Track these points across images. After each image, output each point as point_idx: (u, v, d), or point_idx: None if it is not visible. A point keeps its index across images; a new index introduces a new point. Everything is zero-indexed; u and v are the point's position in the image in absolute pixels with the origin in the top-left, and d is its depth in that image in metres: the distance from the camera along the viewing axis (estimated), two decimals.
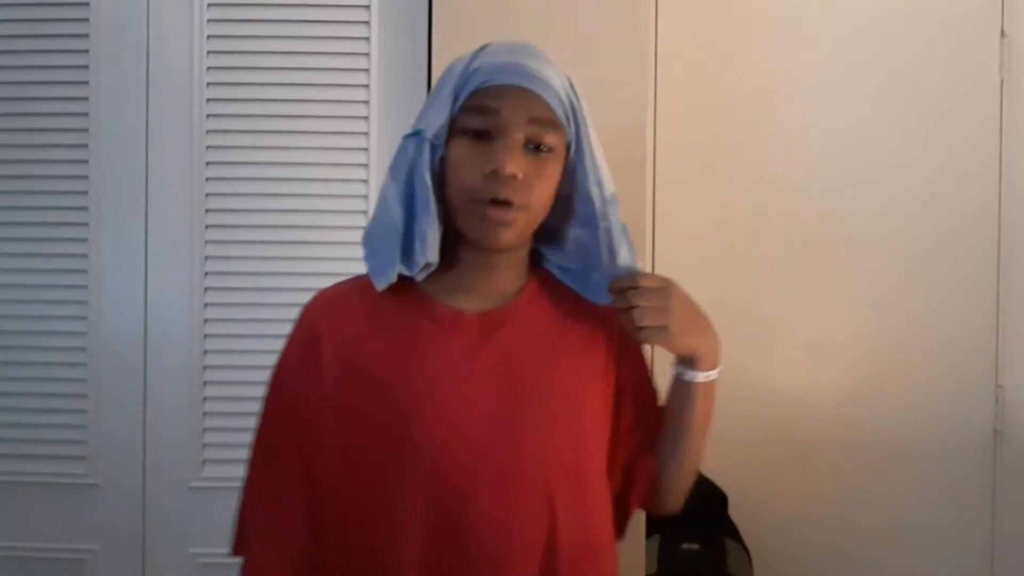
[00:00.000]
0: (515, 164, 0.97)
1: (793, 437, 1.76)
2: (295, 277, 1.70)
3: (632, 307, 1.01)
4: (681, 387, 1.08)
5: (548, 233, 1.07)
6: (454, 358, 1.03)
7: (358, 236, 1.67)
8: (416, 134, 1.03)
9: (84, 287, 1.71)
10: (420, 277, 1.03)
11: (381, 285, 1.02)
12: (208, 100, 1.70)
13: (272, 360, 1.70)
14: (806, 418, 1.76)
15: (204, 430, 1.71)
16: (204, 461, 1.71)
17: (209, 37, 1.70)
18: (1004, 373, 1.77)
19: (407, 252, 1.02)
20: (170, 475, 1.71)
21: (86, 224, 1.71)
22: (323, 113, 1.70)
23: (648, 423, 1.12)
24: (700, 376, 1.06)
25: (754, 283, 1.80)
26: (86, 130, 1.70)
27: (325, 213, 1.71)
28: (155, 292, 1.71)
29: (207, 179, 1.70)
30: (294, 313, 1.73)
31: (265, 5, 1.70)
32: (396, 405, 1.01)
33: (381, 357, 1.03)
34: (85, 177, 1.71)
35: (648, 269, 1.69)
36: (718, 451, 1.74)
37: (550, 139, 1.00)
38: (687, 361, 1.06)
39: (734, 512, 1.71)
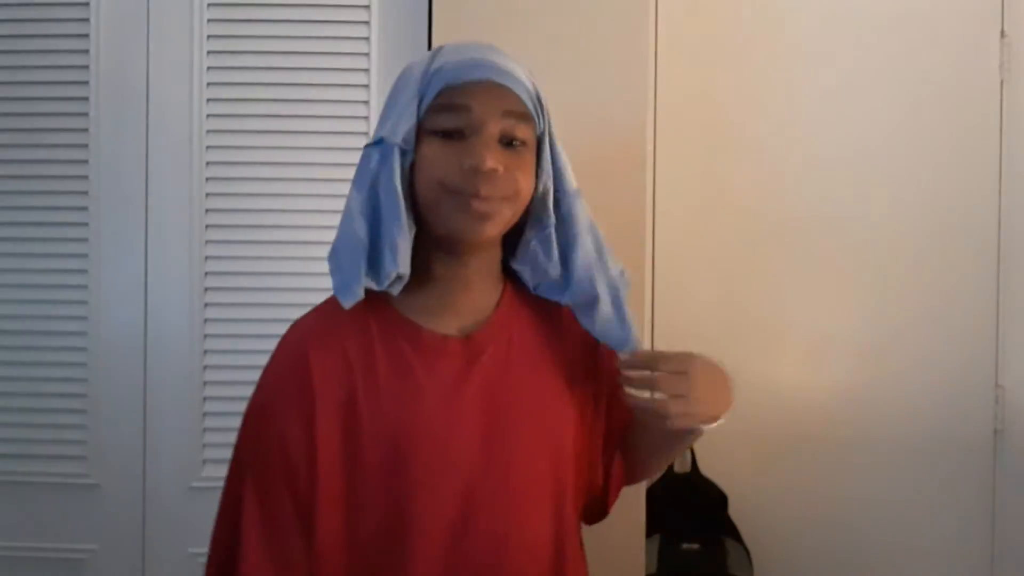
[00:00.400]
0: (494, 159, 0.94)
1: (793, 437, 1.76)
2: (295, 277, 1.70)
3: (649, 388, 0.97)
4: (685, 435, 1.06)
5: (509, 237, 1.04)
6: (443, 391, 0.99)
7: None
8: (379, 142, 0.99)
9: (84, 287, 1.71)
10: (395, 291, 0.99)
11: (348, 303, 0.97)
12: (208, 100, 1.70)
13: None
14: (806, 418, 1.76)
15: (204, 430, 1.71)
16: (204, 461, 1.71)
17: (209, 37, 1.70)
18: (1004, 373, 1.77)
19: (374, 265, 0.98)
20: (170, 475, 1.71)
21: (86, 224, 1.71)
22: (323, 113, 1.70)
23: (623, 420, 1.11)
24: (705, 428, 1.03)
25: (754, 283, 1.80)
26: (86, 130, 1.70)
27: (325, 213, 1.71)
28: (155, 292, 1.71)
29: (207, 179, 1.70)
30: (294, 313, 1.73)
31: (265, 5, 1.70)
32: (393, 448, 0.98)
33: (374, 399, 0.98)
34: (85, 177, 1.71)
35: (648, 269, 1.69)
36: (718, 451, 1.74)
37: (523, 132, 0.98)
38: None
39: (734, 512, 1.71)
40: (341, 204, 1.68)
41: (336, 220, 1.69)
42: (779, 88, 1.79)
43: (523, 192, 0.98)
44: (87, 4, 1.69)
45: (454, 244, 0.99)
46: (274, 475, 0.99)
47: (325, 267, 1.69)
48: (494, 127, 0.96)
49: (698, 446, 1.68)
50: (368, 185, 0.99)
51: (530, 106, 0.99)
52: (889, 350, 1.77)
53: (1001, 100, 1.77)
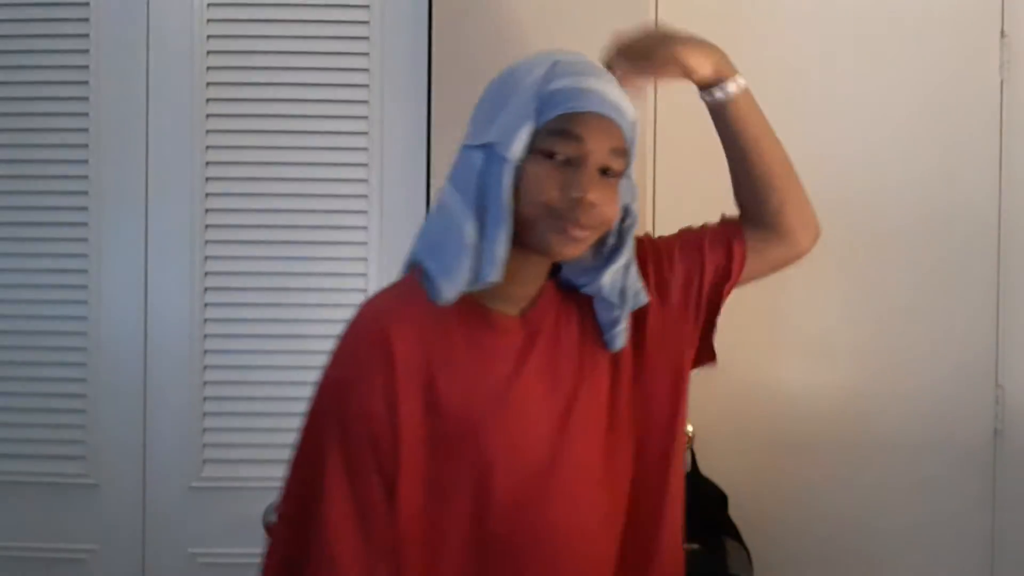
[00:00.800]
0: (596, 193, 1.00)
1: (793, 437, 1.75)
2: (295, 277, 1.70)
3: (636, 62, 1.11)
4: (724, 112, 1.15)
5: None
6: (514, 367, 1.06)
7: (358, 236, 1.70)
8: (486, 147, 1.02)
9: (84, 287, 1.71)
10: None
11: (448, 302, 1.02)
12: (208, 100, 1.70)
13: (271, 360, 1.70)
14: (806, 418, 1.76)
15: (204, 430, 1.71)
16: (204, 461, 1.71)
17: (209, 37, 1.70)
18: (1004, 373, 1.77)
19: (471, 268, 1.03)
20: (170, 475, 1.71)
21: (86, 224, 1.71)
22: (323, 113, 1.70)
23: (706, 253, 1.19)
24: (731, 86, 1.13)
25: (754, 283, 1.79)
26: (86, 130, 1.70)
27: (325, 213, 1.71)
28: (155, 292, 1.71)
29: (207, 179, 1.70)
30: (294, 313, 1.72)
31: (265, 5, 1.70)
32: (472, 425, 1.03)
33: (452, 376, 1.04)
34: (85, 177, 1.71)
35: None
36: (718, 451, 1.74)
37: (618, 166, 1.04)
38: (708, 81, 1.13)
39: (734, 512, 1.70)
40: (341, 204, 1.70)
41: (336, 219, 1.70)
42: (779, 88, 1.78)
43: (611, 221, 1.06)
44: (87, 4, 1.69)
45: (535, 249, 1.05)
46: (359, 448, 1.01)
47: (325, 267, 1.70)
48: (599, 160, 1.01)
49: (698, 446, 1.68)
50: (474, 190, 1.02)
51: (629, 141, 1.05)
52: (889, 350, 1.77)
53: (1001, 100, 1.77)
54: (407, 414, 1.01)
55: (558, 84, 1.01)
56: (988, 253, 1.77)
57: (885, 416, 1.76)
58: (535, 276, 1.09)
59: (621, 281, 1.10)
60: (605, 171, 1.02)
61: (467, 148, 1.04)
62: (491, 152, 1.01)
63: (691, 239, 1.21)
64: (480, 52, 1.61)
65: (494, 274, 1.00)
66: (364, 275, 1.70)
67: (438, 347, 1.04)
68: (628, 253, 1.11)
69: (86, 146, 1.70)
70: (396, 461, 1.01)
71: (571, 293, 1.13)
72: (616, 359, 1.12)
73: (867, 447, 1.76)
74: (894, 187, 1.77)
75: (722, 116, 1.16)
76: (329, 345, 1.69)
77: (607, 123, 1.02)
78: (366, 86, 1.70)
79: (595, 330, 1.12)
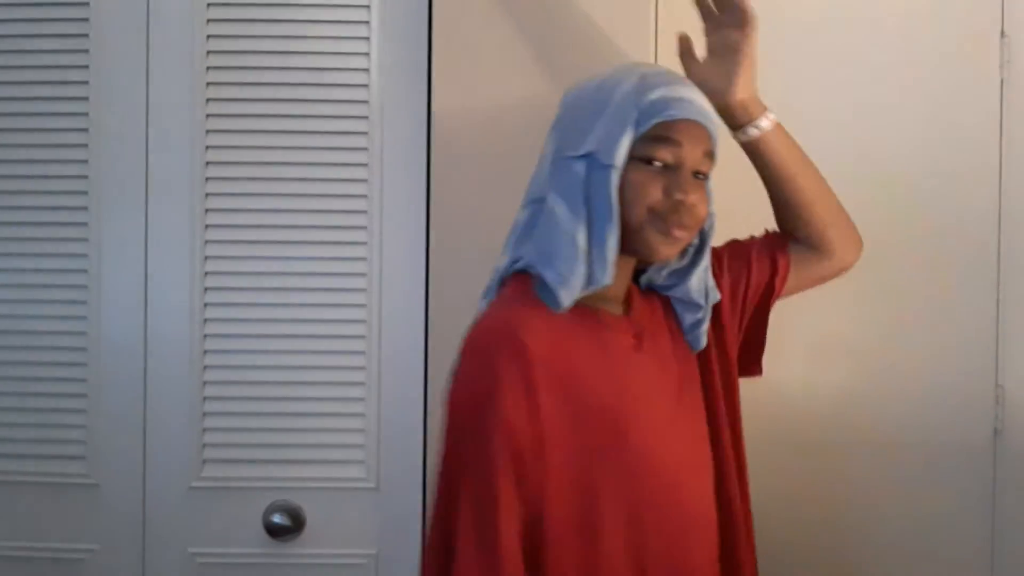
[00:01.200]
0: (695, 194, 1.08)
1: (793, 437, 1.75)
2: (295, 277, 1.70)
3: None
4: (758, 147, 1.25)
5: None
6: (633, 366, 1.12)
7: (358, 236, 1.70)
8: (588, 156, 1.07)
9: (84, 287, 1.71)
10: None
11: (566, 309, 1.07)
12: (208, 100, 1.70)
13: (271, 359, 1.70)
14: (806, 418, 1.76)
15: (204, 430, 1.71)
16: (204, 461, 1.71)
17: (209, 37, 1.70)
18: (1004, 373, 1.77)
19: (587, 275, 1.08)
20: (170, 475, 1.71)
21: (86, 224, 1.71)
22: (323, 113, 1.70)
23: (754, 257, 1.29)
24: (764, 122, 1.24)
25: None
26: (86, 130, 1.70)
27: (325, 213, 1.71)
28: (155, 292, 1.71)
29: (207, 179, 1.70)
30: (294, 313, 1.72)
31: (265, 5, 1.70)
32: (612, 426, 1.08)
33: (585, 379, 1.08)
34: (85, 177, 1.71)
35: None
36: None
37: (707, 168, 1.12)
38: (742, 116, 1.22)
39: None
40: (341, 204, 1.70)
41: (336, 220, 1.70)
42: (778, 88, 1.78)
43: (705, 221, 1.14)
44: (87, 4, 1.69)
45: (634, 252, 1.11)
46: (497, 470, 1.02)
47: (325, 267, 1.70)
48: (694, 163, 1.09)
49: None
50: (581, 198, 1.07)
51: (715, 144, 1.12)
52: (889, 350, 1.77)
53: (1001, 100, 1.77)
54: (552, 422, 1.03)
55: (655, 95, 1.07)
56: (988, 253, 1.77)
57: (885, 416, 1.76)
58: (626, 278, 1.15)
59: (705, 282, 1.17)
60: (696, 174, 1.10)
61: (568, 159, 1.09)
62: (593, 161, 1.07)
63: (739, 251, 1.29)
64: (480, 52, 1.61)
65: (607, 277, 1.06)
66: (364, 275, 1.70)
67: (570, 351, 1.07)
68: (709, 254, 1.18)
69: (86, 146, 1.70)
70: (544, 471, 1.02)
71: (648, 295, 1.20)
72: (701, 357, 1.21)
73: (867, 447, 1.76)
74: (893, 187, 1.77)
75: (757, 152, 1.25)
76: (329, 344, 1.70)
77: (699, 128, 1.09)
78: (366, 86, 1.70)
79: (678, 330, 1.20)
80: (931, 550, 1.77)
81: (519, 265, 1.12)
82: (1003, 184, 1.77)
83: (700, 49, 1.34)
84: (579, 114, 1.11)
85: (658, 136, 1.07)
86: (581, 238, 1.06)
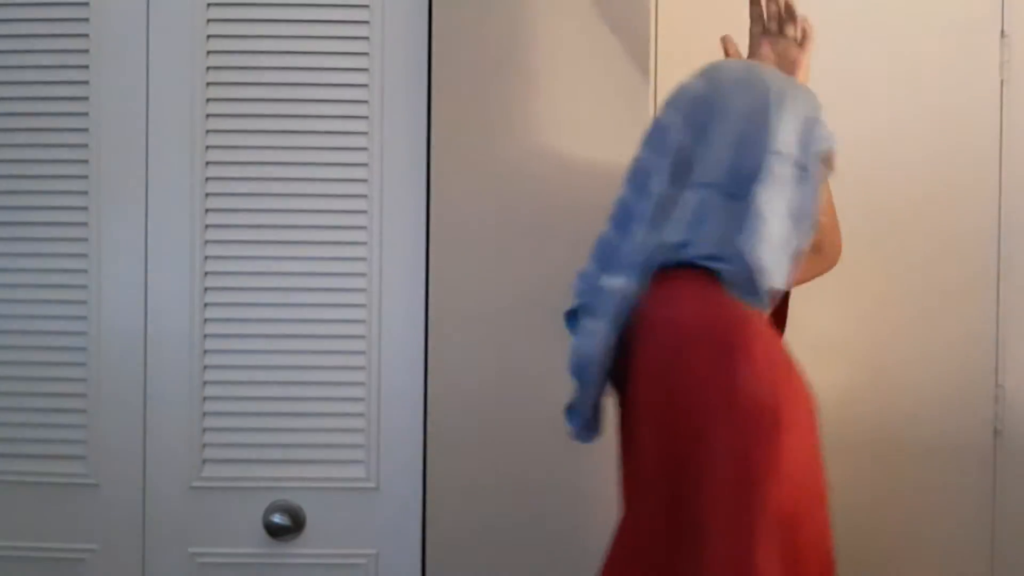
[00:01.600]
0: None
1: None
2: (295, 277, 1.70)
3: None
4: None
5: None
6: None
7: (358, 236, 1.70)
8: (798, 164, 1.07)
9: (84, 287, 1.71)
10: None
11: (767, 307, 1.04)
12: (208, 100, 1.70)
13: (271, 360, 1.70)
14: None
15: (204, 430, 1.71)
16: (204, 461, 1.71)
17: (209, 37, 1.70)
18: (1004, 373, 1.77)
19: None
20: (170, 475, 1.71)
21: (86, 224, 1.71)
22: (323, 113, 1.70)
23: None
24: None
25: None
26: (86, 130, 1.70)
27: (325, 213, 1.71)
28: (155, 292, 1.71)
29: (207, 179, 1.70)
30: (294, 313, 1.72)
31: (265, 5, 1.70)
32: (812, 427, 1.01)
33: (804, 386, 1.01)
34: (85, 177, 1.71)
35: None
36: None
37: None
38: None
39: None
40: (341, 204, 1.70)
41: (336, 220, 1.70)
42: None
43: None
44: (87, 4, 1.69)
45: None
46: (796, 491, 0.95)
47: (325, 267, 1.70)
48: None
49: None
50: (786, 200, 1.04)
51: None
52: (889, 350, 1.77)
53: (1001, 100, 1.77)
54: (815, 438, 1.00)
55: (822, 116, 1.10)
56: (988, 253, 1.77)
57: (885, 416, 1.77)
58: None
59: None
60: None
61: (778, 155, 1.04)
62: (802, 171, 1.05)
63: None
64: (480, 51, 1.61)
65: (789, 281, 1.06)
66: (364, 275, 1.70)
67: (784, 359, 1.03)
68: None
69: (86, 146, 1.70)
70: (822, 494, 1.02)
71: None
72: None
73: (867, 447, 1.76)
74: (893, 186, 1.77)
75: None
76: (329, 344, 1.70)
77: None
78: (366, 86, 1.70)
79: None
80: (931, 550, 1.77)
81: (692, 253, 1.01)
82: (1003, 184, 1.78)
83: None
84: (784, 115, 1.08)
85: (828, 160, 1.13)
86: (794, 243, 1.04)
